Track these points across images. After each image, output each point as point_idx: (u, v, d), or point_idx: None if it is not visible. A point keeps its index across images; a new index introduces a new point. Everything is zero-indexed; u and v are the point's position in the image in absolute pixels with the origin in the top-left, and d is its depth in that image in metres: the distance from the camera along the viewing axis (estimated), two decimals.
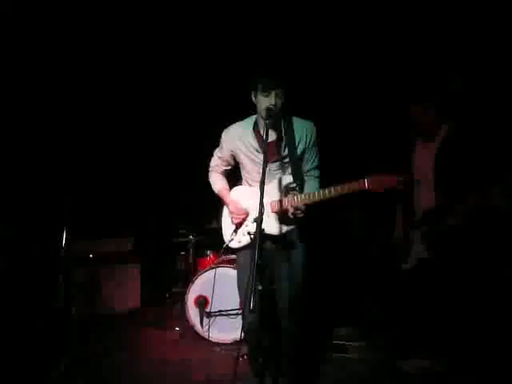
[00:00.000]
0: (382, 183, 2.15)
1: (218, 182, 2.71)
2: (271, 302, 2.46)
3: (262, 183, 2.02)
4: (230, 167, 2.70)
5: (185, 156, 5.03)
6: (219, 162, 2.70)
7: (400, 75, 3.87)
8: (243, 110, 2.57)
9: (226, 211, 2.68)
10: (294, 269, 2.43)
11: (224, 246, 2.58)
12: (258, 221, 1.92)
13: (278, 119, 2.39)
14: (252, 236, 2.32)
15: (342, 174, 2.30)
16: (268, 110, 2.27)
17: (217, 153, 2.71)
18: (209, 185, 2.79)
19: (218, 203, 4.46)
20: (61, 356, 3.06)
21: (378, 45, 4.02)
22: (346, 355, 3.28)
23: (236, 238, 2.52)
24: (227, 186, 2.70)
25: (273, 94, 2.28)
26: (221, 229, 2.69)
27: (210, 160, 2.79)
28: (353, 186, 2.20)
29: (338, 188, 2.22)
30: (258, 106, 2.37)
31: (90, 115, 4.64)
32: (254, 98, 2.40)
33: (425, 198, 2.88)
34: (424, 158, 2.91)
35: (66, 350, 3.13)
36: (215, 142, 2.68)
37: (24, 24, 3.86)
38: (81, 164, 4.54)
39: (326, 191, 2.25)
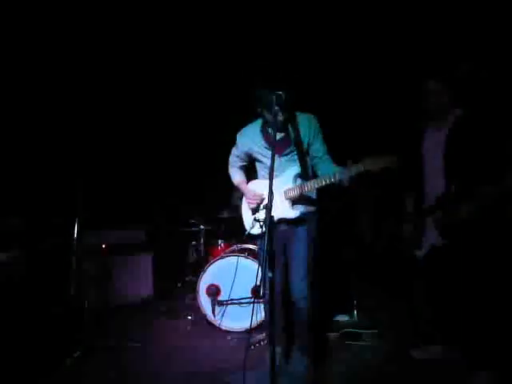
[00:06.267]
0: (377, 163, 2.26)
1: (236, 176, 3.04)
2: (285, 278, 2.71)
3: (271, 172, 2.06)
4: (246, 163, 3.00)
5: (195, 147, 5.04)
6: (236, 159, 3.01)
7: (409, 59, 3.81)
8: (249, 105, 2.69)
9: (244, 201, 2.95)
10: (307, 245, 2.68)
11: (246, 233, 2.82)
12: (268, 207, 1.93)
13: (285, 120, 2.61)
14: (261, 223, 2.37)
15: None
16: (275, 122, 2.32)
17: (234, 151, 3.01)
18: (219, 175, 3.15)
19: (227, 193, 4.49)
20: (74, 345, 3.10)
21: (386, 30, 3.97)
22: (358, 343, 3.28)
23: (256, 224, 2.66)
24: (245, 179, 3.02)
25: (278, 108, 2.31)
26: (240, 218, 2.96)
27: (219, 152, 3.17)
28: (348, 170, 2.35)
29: (332, 176, 2.43)
30: (266, 117, 2.63)
31: (102, 108, 4.65)
32: (259, 110, 2.64)
33: (435, 184, 2.83)
34: (434, 144, 2.85)
35: (80, 339, 3.17)
36: (224, 135, 3.02)
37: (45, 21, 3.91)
38: (93, 155, 4.56)
39: (322, 179, 2.49)
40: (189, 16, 4.21)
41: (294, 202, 2.67)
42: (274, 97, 2.29)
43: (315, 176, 2.71)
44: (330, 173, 2.47)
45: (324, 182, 2.48)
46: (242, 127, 2.94)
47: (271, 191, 1.97)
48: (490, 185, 2.50)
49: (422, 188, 2.93)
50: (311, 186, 2.56)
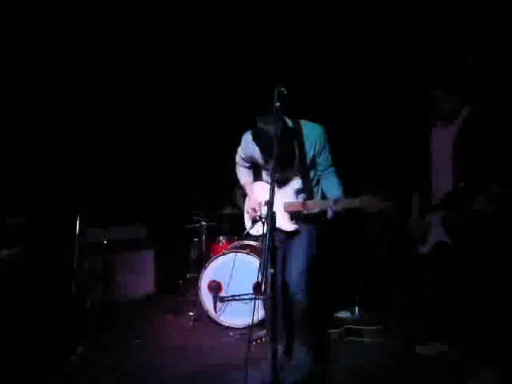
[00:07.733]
0: (374, 205, 2.31)
1: (242, 176, 2.97)
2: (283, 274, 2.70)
3: (273, 173, 2.05)
4: (251, 164, 2.91)
5: (197, 144, 5.03)
6: (241, 160, 2.92)
7: (414, 64, 3.79)
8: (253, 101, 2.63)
9: (247, 202, 2.92)
10: (306, 242, 2.66)
11: (245, 232, 2.89)
12: (269, 205, 1.92)
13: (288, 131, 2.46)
14: (263, 220, 2.36)
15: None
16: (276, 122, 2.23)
17: (239, 151, 2.90)
18: (221, 172, 3.00)
19: (229, 190, 4.48)
20: (76, 342, 3.10)
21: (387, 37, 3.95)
22: (360, 339, 3.29)
23: (255, 227, 2.77)
24: (251, 180, 2.95)
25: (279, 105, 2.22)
26: (242, 216, 2.99)
27: (221, 149, 3.18)
28: (347, 202, 2.42)
29: (327, 203, 2.49)
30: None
31: (104, 104, 4.64)
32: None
33: (442, 182, 2.82)
34: (442, 142, 2.84)
35: (82, 337, 3.17)
36: (226, 132, 2.88)
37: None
38: (95, 151, 4.56)
39: (319, 204, 2.54)
40: (195, 15, 4.21)
41: (293, 216, 2.65)
42: (276, 92, 2.23)
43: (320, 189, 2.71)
44: (330, 194, 2.58)
45: (319, 208, 2.53)
46: (246, 123, 2.81)
47: (273, 188, 1.95)
48: (498, 183, 2.49)
49: (429, 186, 2.92)
50: (308, 207, 2.55)
